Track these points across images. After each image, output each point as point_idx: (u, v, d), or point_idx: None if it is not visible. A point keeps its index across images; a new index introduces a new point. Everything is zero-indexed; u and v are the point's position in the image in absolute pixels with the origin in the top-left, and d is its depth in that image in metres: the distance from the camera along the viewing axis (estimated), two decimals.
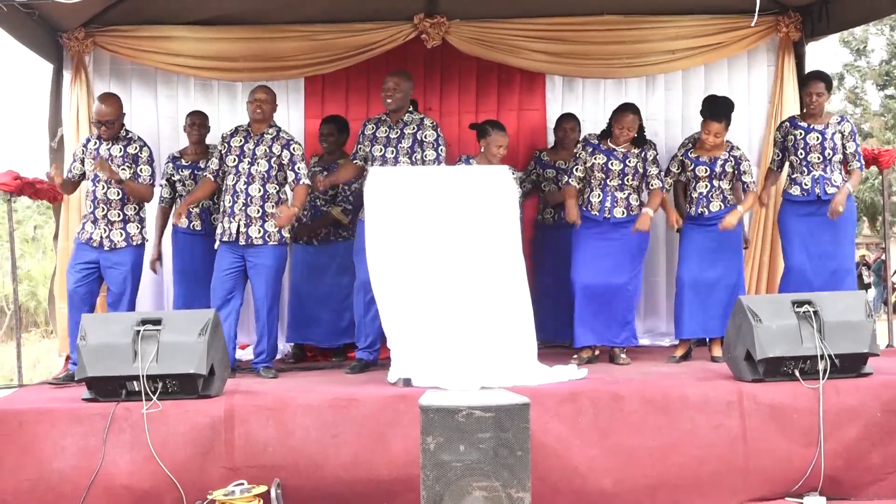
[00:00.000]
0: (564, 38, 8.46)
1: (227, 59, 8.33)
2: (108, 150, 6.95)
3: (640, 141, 7.23)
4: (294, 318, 7.99)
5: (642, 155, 7.18)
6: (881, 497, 5.61)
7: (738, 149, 7.29)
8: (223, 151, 7.09)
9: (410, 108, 7.27)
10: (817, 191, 7.14)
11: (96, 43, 8.20)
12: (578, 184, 7.21)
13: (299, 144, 7.19)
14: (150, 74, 8.55)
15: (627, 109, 7.21)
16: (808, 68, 8.33)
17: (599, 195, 7.13)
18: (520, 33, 8.39)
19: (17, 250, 9.19)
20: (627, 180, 7.14)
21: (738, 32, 8.48)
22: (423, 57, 8.66)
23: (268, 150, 7.01)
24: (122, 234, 6.91)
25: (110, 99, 7.08)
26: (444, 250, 6.15)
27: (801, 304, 5.86)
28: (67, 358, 7.33)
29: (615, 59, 8.58)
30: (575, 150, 7.40)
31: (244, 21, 8.22)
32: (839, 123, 7.25)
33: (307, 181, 7.09)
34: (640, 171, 7.16)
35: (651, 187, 7.21)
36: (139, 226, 7.05)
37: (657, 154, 7.34)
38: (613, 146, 7.16)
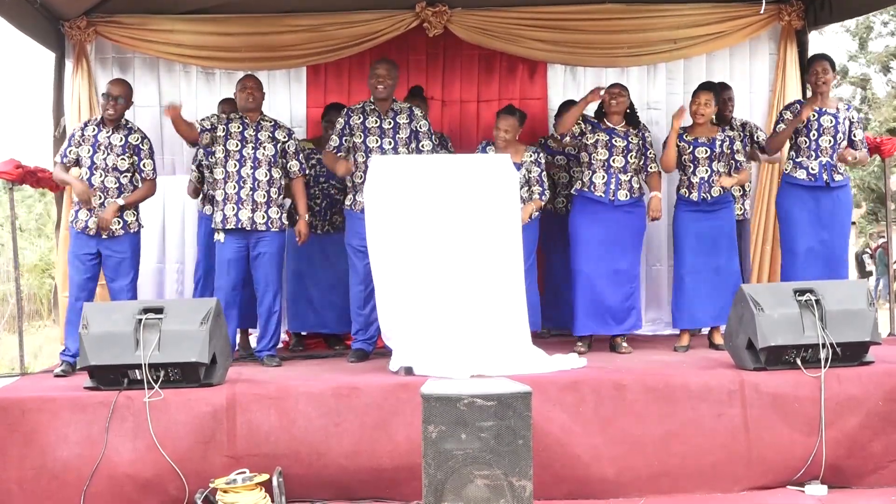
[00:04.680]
0: (566, 27, 8.47)
1: (229, 50, 8.34)
2: (108, 137, 6.85)
3: (635, 121, 7.26)
4: (297, 306, 7.99)
5: (640, 135, 7.24)
6: (882, 485, 5.62)
7: (745, 126, 7.34)
8: (222, 136, 6.98)
9: (394, 97, 7.24)
10: (825, 177, 7.11)
11: (98, 32, 8.21)
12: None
13: (296, 135, 7.31)
14: (153, 63, 8.56)
15: (615, 84, 7.32)
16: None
17: (604, 177, 7.12)
18: (522, 22, 8.40)
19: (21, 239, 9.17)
20: (631, 158, 7.14)
21: (740, 21, 8.49)
22: (424, 46, 8.68)
23: (271, 136, 7.02)
24: (119, 223, 6.85)
25: (123, 82, 7.11)
26: (444, 239, 6.15)
27: (802, 292, 5.86)
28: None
29: (617, 48, 8.59)
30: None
31: (246, 10, 8.21)
32: (847, 110, 7.26)
33: (305, 172, 7.23)
34: (642, 150, 7.20)
35: (650, 170, 7.27)
36: (135, 213, 6.98)
37: (651, 138, 7.39)
38: (613, 125, 7.17)
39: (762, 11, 7.99)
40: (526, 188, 7.15)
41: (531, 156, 7.18)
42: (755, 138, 7.78)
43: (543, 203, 7.24)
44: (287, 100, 8.72)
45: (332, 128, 7.68)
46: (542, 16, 8.40)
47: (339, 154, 7.07)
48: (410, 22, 8.30)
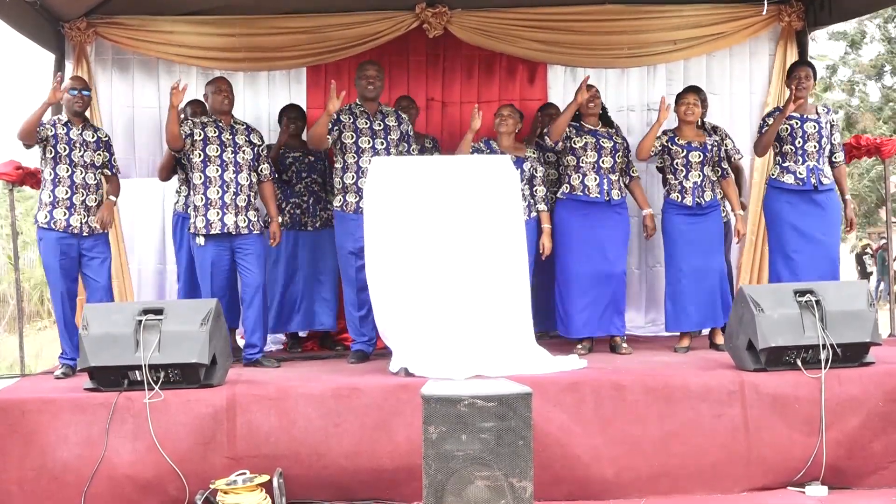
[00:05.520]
0: (566, 28, 8.48)
1: (229, 50, 8.35)
2: (81, 134, 6.79)
3: (608, 121, 7.36)
4: (291, 306, 7.96)
5: (620, 134, 7.33)
6: (883, 486, 5.61)
7: (717, 130, 7.43)
8: (200, 140, 6.91)
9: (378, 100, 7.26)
10: (813, 181, 7.10)
11: (98, 33, 8.22)
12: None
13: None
14: (153, 64, 8.55)
15: (589, 86, 7.29)
16: (814, 59, 8.35)
17: (596, 178, 7.13)
18: (522, 23, 8.41)
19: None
20: (618, 158, 7.20)
21: (741, 22, 8.49)
22: (424, 47, 8.68)
23: (248, 139, 7.02)
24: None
25: (81, 77, 7.17)
26: (445, 240, 6.15)
27: (803, 293, 5.86)
28: None
29: (617, 49, 8.59)
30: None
31: (245, 11, 8.21)
32: (828, 114, 7.28)
33: (275, 175, 7.29)
34: (625, 150, 7.27)
35: (632, 175, 7.36)
36: None
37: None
38: (593, 126, 7.20)
39: (764, 13, 8.00)
40: (528, 187, 7.17)
41: (534, 153, 7.25)
42: (724, 145, 7.71)
43: (548, 211, 7.25)
44: (287, 101, 8.70)
45: (294, 124, 7.90)
46: (541, 17, 8.40)
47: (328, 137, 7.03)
48: (410, 23, 8.31)
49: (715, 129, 7.62)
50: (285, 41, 8.35)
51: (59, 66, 8.18)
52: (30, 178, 7.34)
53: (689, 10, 8.47)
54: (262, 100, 8.76)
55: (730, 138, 7.54)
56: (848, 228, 7.29)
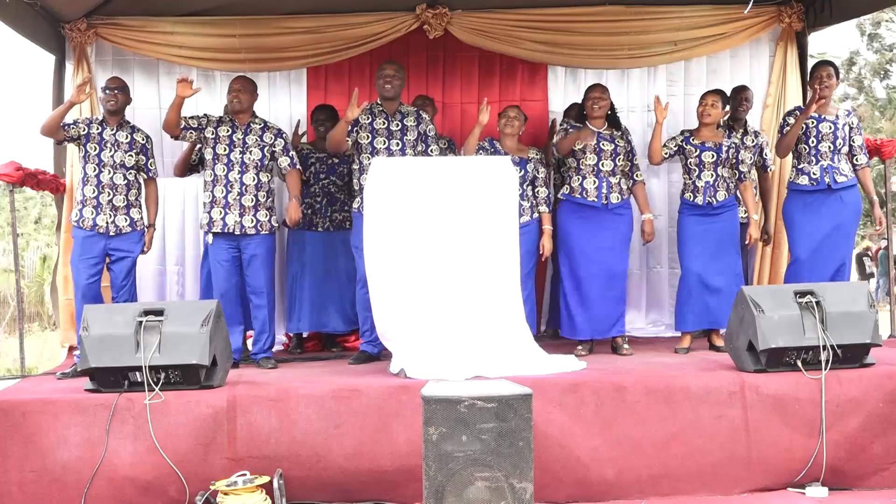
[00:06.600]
0: (566, 29, 8.47)
1: (230, 51, 8.35)
2: (114, 134, 6.89)
3: (616, 122, 7.32)
4: (300, 306, 7.96)
5: (625, 137, 7.29)
6: (883, 487, 5.62)
7: (758, 135, 7.56)
8: (211, 138, 6.95)
9: (400, 100, 7.23)
10: (827, 180, 7.12)
11: (98, 34, 8.22)
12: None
13: (286, 133, 7.27)
14: (153, 65, 8.55)
15: (595, 86, 7.33)
16: (813, 57, 8.38)
17: (595, 181, 7.13)
18: (522, 24, 8.40)
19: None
20: (619, 161, 7.18)
21: (741, 23, 8.49)
22: (425, 48, 8.67)
23: (259, 139, 7.00)
24: (126, 220, 6.90)
25: (119, 78, 7.18)
26: (443, 240, 6.15)
27: (803, 294, 5.86)
28: (71, 350, 7.33)
29: (617, 50, 8.59)
30: (561, 125, 7.64)
31: (246, 12, 8.21)
32: (848, 116, 7.29)
33: (299, 167, 7.19)
34: (629, 152, 7.25)
35: (636, 178, 7.34)
36: (140, 212, 7.04)
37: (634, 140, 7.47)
38: (597, 129, 7.18)
39: (746, 12, 8.01)
40: (531, 188, 7.17)
41: (536, 154, 7.25)
42: (763, 154, 7.79)
43: (549, 212, 7.26)
44: (287, 101, 8.72)
45: (323, 126, 7.84)
46: (542, 17, 8.40)
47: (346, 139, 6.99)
48: (411, 24, 8.31)
49: (757, 133, 7.67)
50: (286, 42, 8.35)
51: (60, 68, 8.19)
52: (30, 178, 7.34)
53: (690, 11, 8.47)
54: (262, 100, 8.71)
55: (768, 147, 7.72)
56: (878, 228, 7.34)
